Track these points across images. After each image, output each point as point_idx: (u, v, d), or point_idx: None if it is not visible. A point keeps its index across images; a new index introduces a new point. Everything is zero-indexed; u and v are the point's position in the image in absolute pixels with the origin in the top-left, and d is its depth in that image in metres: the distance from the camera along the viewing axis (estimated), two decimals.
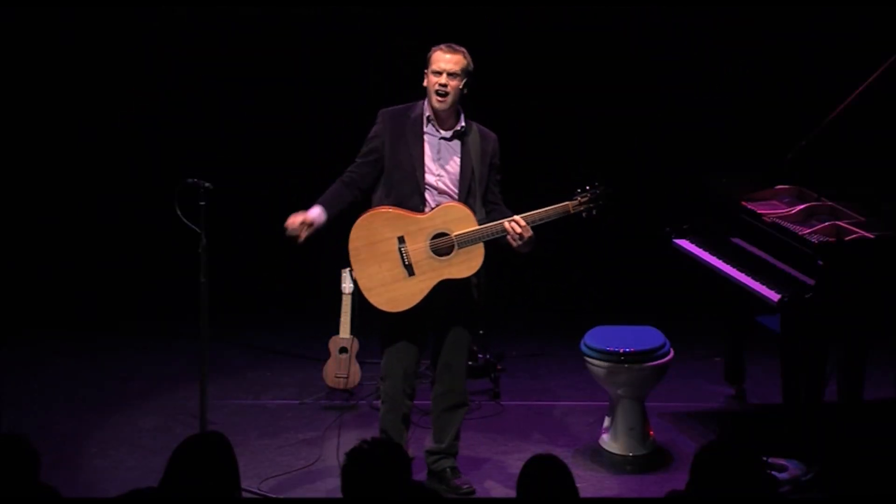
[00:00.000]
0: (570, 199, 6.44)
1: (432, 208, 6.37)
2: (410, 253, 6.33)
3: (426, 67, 6.41)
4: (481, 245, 6.36)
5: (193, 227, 6.39)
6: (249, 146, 9.58)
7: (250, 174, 9.48)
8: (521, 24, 9.38)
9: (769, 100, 9.22)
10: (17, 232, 9.42)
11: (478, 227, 6.34)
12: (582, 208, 6.44)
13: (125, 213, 9.55)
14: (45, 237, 9.52)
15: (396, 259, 6.33)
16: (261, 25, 9.42)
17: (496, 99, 9.35)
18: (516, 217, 6.36)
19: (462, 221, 6.34)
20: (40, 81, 9.48)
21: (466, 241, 6.33)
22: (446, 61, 6.35)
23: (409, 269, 6.34)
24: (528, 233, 6.34)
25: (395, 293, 6.34)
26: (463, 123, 6.45)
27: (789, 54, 9.15)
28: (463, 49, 6.41)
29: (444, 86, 6.33)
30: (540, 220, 6.39)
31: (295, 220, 6.35)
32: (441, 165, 6.41)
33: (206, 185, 6.39)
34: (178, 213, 6.36)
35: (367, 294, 6.36)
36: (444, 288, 6.36)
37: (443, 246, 6.35)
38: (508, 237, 6.35)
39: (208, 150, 9.28)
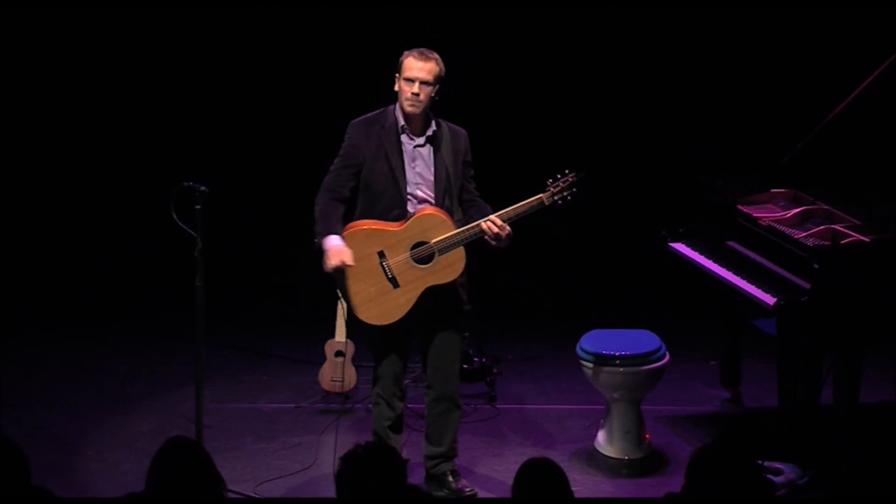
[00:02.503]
0: (543, 191, 6.43)
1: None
2: (392, 266, 6.33)
3: (397, 72, 6.36)
4: (462, 248, 6.36)
5: (189, 230, 6.37)
6: (246, 149, 9.57)
7: (247, 177, 9.47)
8: (519, 23, 9.38)
9: (766, 102, 9.22)
10: (15, 233, 9.41)
11: (455, 231, 6.34)
12: (556, 198, 6.43)
13: (122, 215, 9.54)
14: (44, 239, 9.52)
15: (380, 274, 6.34)
16: (259, 26, 9.41)
17: (494, 98, 9.39)
18: (492, 216, 6.35)
19: (439, 228, 6.34)
20: (36, 83, 9.48)
21: (446, 246, 6.34)
22: (419, 69, 6.29)
23: (394, 282, 6.34)
24: (506, 230, 6.34)
25: (383, 307, 6.35)
26: (434, 127, 6.42)
27: (787, 55, 9.15)
28: (435, 55, 6.35)
29: (417, 94, 6.29)
30: (516, 215, 6.38)
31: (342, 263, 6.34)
32: (418, 174, 6.40)
33: (202, 188, 6.38)
34: (174, 216, 6.35)
35: (355, 311, 6.37)
36: (430, 292, 6.37)
37: (423, 254, 6.34)
38: (486, 237, 6.35)
39: (205, 154, 9.27)
